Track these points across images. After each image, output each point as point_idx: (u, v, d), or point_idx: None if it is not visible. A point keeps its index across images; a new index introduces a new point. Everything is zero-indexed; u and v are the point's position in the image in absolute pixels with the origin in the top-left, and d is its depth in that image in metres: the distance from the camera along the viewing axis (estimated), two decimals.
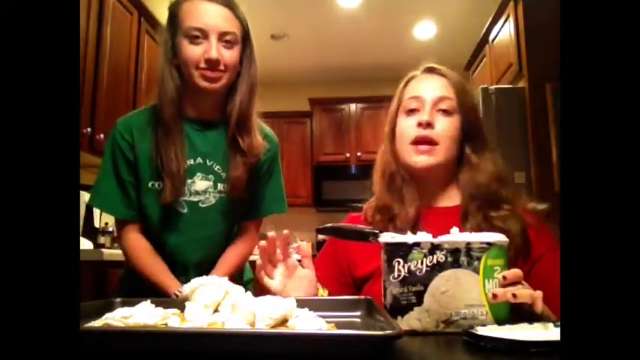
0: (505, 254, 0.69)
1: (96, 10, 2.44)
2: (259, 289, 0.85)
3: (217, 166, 1.22)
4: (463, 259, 0.68)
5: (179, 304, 0.63)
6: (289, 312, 0.55)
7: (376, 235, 0.76)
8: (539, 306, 0.68)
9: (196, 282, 0.62)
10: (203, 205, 1.21)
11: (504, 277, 0.68)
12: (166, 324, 0.58)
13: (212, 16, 1.12)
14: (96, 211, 2.69)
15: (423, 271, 0.68)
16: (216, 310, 0.60)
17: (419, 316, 0.68)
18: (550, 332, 0.59)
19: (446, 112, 0.98)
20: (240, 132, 1.20)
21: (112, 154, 1.20)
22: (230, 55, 1.15)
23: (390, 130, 1.06)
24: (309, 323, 0.55)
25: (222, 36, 1.13)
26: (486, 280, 0.68)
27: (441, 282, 0.68)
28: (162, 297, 1.09)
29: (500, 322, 0.66)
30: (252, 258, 1.22)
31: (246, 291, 0.63)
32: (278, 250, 0.86)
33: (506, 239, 0.70)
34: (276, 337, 0.49)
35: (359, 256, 1.00)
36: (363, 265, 0.99)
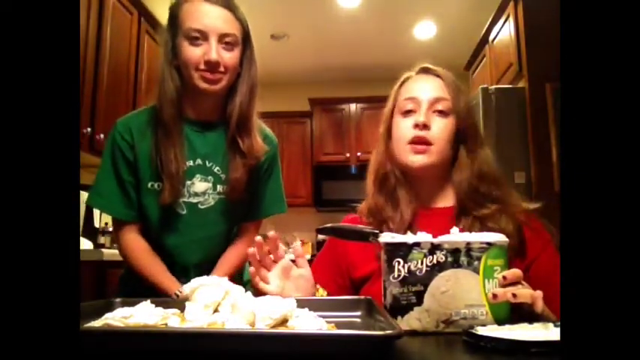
0: (505, 254, 0.69)
1: (96, 10, 2.44)
2: (257, 292, 0.85)
3: (217, 168, 1.22)
4: (463, 259, 0.68)
5: (179, 304, 0.63)
6: (289, 312, 0.55)
7: (376, 235, 0.77)
8: (540, 306, 0.68)
9: (196, 282, 0.62)
10: (202, 207, 1.21)
11: (504, 277, 0.68)
12: (166, 324, 0.58)
13: (212, 18, 1.12)
14: (96, 211, 2.69)
15: (423, 271, 0.68)
16: (216, 310, 0.60)
17: (419, 316, 0.68)
18: (550, 332, 0.59)
19: (442, 113, 0.98)
20: (240, 133, 1.19)
21: (111, 154, 1.20)
22: (230, 57, 1.14)
23: (385, 131, 1.06)
24: (309, 323, 0.55)
25: (222, 38, 1.13)
26: (486, 280, 0.68)
27: (441, 282, 0.68)
28: (162, 297, 1.09)
29: (500, 322, 0.66)
30: None
31: (246, 291, 0.63)
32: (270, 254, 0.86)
33: (506, 239, 0.70)
34: (276, 337, 0.49)
35: (357, 258, 1.00)
36: (361, 266, 0.99)
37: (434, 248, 0.68)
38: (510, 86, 2.81)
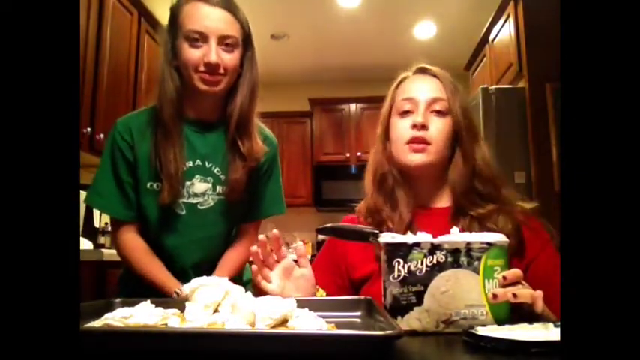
0: (505, 254, 0.69)
1: (96, 10, 2.44)
2: (258, 291, 0.85)
3: (216, 169, 1.22)
4: (463, 259, 0.68)
5: (179, 304, 0.63)
6: (289, 312, 0.55)
7: (376, 235, 0.77)
8: (540, 305, 0.68)
9: (196, 282, 0.62)
10: (201, 207, 1.21)
11: (504, 277, 0.68)
12: (166, 324, 0.58)
13: (212, 20, 1.12)
14: (96, 211, 2.69)
15: (423, 271, 0.68)
16: (216, 310, 0.60)
17: (419, 316, 0.68)
18: (550, 332, 0.59)
19: (439, 113, 0.98)
20: (240, 135, 1.19)
21: (111, 154, 1.20)
22: (230, 59, 1.14)
23: (382, 132, 1.05)
24: (309, 323, 0.55)
25: (222, 40, 1.12)
26: (486, 280, 0.68)
27: (441, 282, 0.68)
28: (162, 297, 1.09)
29: (500, 322, 0.66)
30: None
31: (245, 291, 0.63)
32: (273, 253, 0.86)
33: (507, 239, 0.70)
34: (276, 337, 0.49)
35: (356, 258, 1.00)
36: (360, 266, 0.99)
37: (434, 248, 0.68)
38: (510, 86, 2.81)
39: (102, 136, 2.36)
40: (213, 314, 0.59)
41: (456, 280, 0.68)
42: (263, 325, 0.54)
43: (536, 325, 0.61)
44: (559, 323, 0.59)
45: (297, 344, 0.48)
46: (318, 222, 1.70)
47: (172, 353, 0.48)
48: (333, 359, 0.48)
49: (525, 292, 0.68)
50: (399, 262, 0.69)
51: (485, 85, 2.73)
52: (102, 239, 2.73)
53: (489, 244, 0.68)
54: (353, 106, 4.89)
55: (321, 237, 3.89)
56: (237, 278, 1.28)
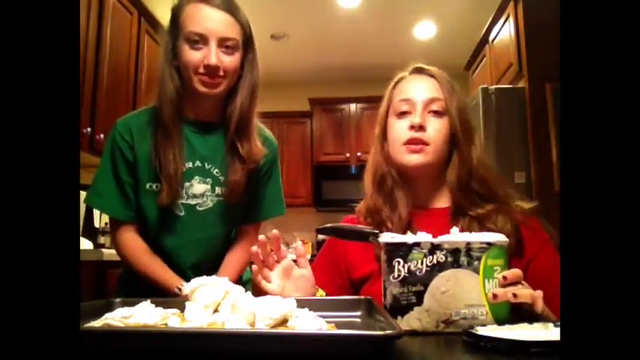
0: (505, 254, 0.69)
1: (96, 10, 2.44)
2: (258, 291, 0.85)
3: (216, 170, 1.22)
4: (463, 259, 0.68)
5: (179, 304, 0.63)
6: (289, 312, 0.55)
7: (376, 235, 0.77)
8: (540, 305, 0.68)
9: (196, 282, 0.62)
10: (201, 209, 1.21)
11: (504, 277, 0.68)
12: (166, 324, 0.58)
13: (213, 22, 1.11)
14: (96, 211, 2.69)
15: (423, 271, 0.68)
16: (216, 310, 0.60)
17: (419, 316, 0.68)
18: (550, 332, 0.59)
19: (437, 113, 0.98)
20: (239, 137, 1.19)
21: (111, 154, 1.20)
22: (230, 61, 1.14)
23: (380, 132, 1.05)
24: (309, 323, 0.55)
25: (222, 42, 1.12)
26: (486, 280, 0.68)
27: (441, 282, 0.68)
28: (161, 296, 1.09)
29: (500, 322, 0.66)
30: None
31: (246, 291, 0.63)
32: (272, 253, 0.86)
33: (507, 239, 0.70)
34: (276, 337, 0.49)
35: (356, 259, 1.00)
36: (360, 267, 0.99)
37: (434, 248, 0.68)
38: (510, 86, 2.81)
39: (102, 136, 2.36)
40: (213, 314, 0.59)
41: (456, 280, 0.68)
42: (263, 325, 0.54)
43: (536, 325, 0.61)
44: (559, 323, 0.59)
45: (297, 344, 0.48)
46: (318, 222, 1.70)
47: (172, 353, 0.48)
48: (333, 359, 0.48)
49: (525, 292, 0.68)
50: (399, 262, 0.69)
51: (485, 85, 2.73)
52: (102, 239, 2.73)
53: (489, 244, 0.68)
54: (353, 106, 4.88)
55: (321, 237, 3.89)
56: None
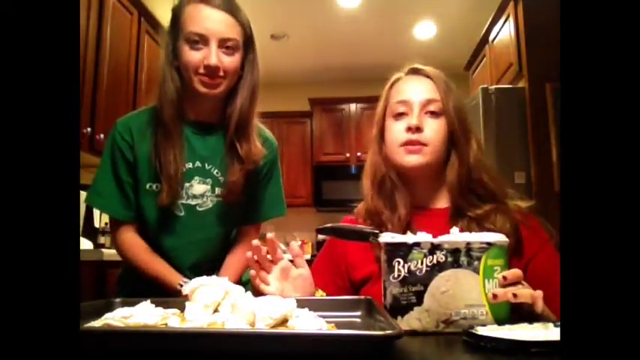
0: (505, 254, 0.69)
1: (96, 10, 2.44)
2: (257, 294, 0.85)
3: (216, 170, 1.22)
4: (463, 259, 0.68)
5: (179, 304, 0.63)
6: (289, 312, 0.55)
7: (376, 235, 0.77)
8: (540, 305, 0.68)
9: (196, 282, 0.62)
10: (200, 209, 1.21)
11: (504, 277, 0.68)
12: (166, 324, 0.58)
13: (213, 22, 1.11)
14: (96, 211, 2.69)
15: (423, 271, 0.68)
16: (216, 310, 0.60)
17: (419, 316, 0.68)
18: (550, 332, 0.59)
19: (434, 114, 0.97)
20: (238, 138, 1.19)
21: (111, 154, 1.20)
22: (230, 62, 1.14)
23: (377, 133, 1.05)
24: (309, 323, 0.55)
25: (222, 42, 1.12)
26: (486, 280, 0.68)
27: (441, 282, 0.68)
28: (161, 296, 1.09)
29: (500, 322, 0.66)
30: None
31: (246, 291, 0.63)
32: (269, 256, 0.86)
33: (507, 239, 0.70)
34: (276, 337, 0.49)
35: (357, 259, 1.00)
36: (360, 267, 0.99)
37: (434, 248, 0.68)
38: (510, 86, 2.81)
39: (102, 136, 2.36)
40: (213, 314, 0.59)
41: (456, 280, 0.68)
42: (263, 325, 0.54)
43: (536, 325, 0.61)
44: (559, 323, 0.59)
45: (297, 344, 0.48)
46: (318, 222, 1.70)
47: (172, 353, 0.48)
48: (333, 359, 0.48)
49: (525, 292, 0.68)
50: (399, 262, 0.69)
51: (485, 85, 2.73)
52: (102, 239, 2.73)
53: (489, 244, 0.68)
54: (353, 106, 4.88)
55: (321, 237, 3.89)
56: None
